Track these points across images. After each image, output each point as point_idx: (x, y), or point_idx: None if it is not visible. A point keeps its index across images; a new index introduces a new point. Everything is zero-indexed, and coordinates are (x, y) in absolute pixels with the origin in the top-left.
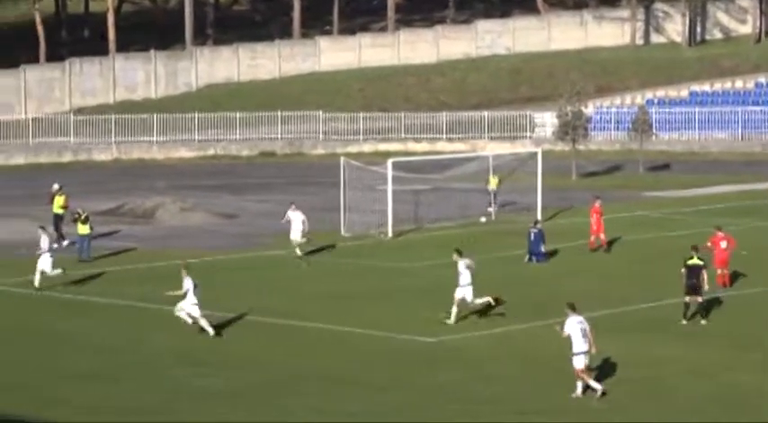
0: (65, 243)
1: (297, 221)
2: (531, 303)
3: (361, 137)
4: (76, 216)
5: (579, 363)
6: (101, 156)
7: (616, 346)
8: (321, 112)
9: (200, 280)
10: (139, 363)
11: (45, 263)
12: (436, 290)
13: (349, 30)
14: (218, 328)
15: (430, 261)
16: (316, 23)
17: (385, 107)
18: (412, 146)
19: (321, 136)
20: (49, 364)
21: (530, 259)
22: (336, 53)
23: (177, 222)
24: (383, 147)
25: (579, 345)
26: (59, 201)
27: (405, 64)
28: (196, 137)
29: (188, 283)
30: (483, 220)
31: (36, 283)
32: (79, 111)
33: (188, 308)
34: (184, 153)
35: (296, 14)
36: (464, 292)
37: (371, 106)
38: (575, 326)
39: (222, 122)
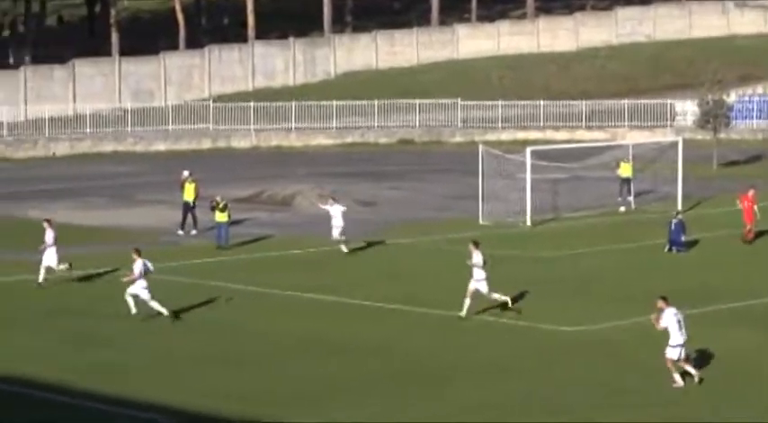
0: (193, 231)
1: (337, 217)
2: (671, 293)
3: (500, 125)
4: (214, 204)
5: (674, 354)
6: (239, 143)
7: (751, 339)
8: (459, 100)
9: (336, 267)
10: (268, 349)
11: (50, 258)
12: (576, 279)
13: (487, 17)
14: (177, 312)
15: (569, 250)
16: (454, 11)
17: (524, 95)
18: (551, 134)
19: (459, 124)
20: (166, 347)
21: (670, 249)
22: (475, 41)
23: (315, 210)
24: (522, 135)
25: (676, 337)
26: (189, 189)
27: (544, 51)
28: (334, 124)
29: (139, 267)
30: (623, 209)
31: (40, 279)
32: (218, 98)
33: (138, 291)
34: (322, 140)
35: (434, 2)
36: (478, 285)
37: (510, 94)
38: (671, 318)
39: (360, 110)
